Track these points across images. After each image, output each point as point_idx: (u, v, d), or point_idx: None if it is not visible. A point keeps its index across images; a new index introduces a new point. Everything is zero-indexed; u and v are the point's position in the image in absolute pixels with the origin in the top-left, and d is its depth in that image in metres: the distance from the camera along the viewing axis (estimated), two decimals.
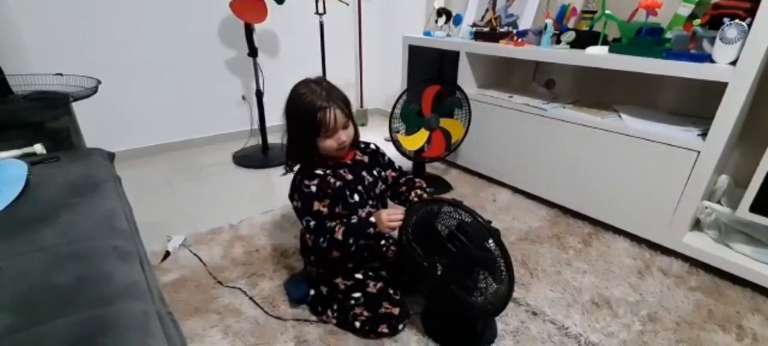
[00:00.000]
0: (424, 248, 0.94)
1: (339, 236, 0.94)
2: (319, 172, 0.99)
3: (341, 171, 1.02)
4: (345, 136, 0.98)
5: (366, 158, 1.09)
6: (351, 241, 0.94)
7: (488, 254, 0.86)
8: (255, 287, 1.18)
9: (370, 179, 1.07)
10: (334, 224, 0.96)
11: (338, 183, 1.00)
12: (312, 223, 0.97)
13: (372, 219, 0.95)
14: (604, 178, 1.44)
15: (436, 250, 0.92)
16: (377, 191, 1.09)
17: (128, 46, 2.01)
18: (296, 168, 1.05)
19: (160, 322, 0.58)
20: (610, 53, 1.37)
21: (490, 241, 0.85)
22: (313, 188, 0.97)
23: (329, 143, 0.97)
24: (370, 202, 1.06)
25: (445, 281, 0.92)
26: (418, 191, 1.08)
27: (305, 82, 0.99)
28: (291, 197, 1.03)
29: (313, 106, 0.94)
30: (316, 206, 0.97)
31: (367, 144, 1.13)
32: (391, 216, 0.95)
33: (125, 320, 0.55)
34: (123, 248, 0.73)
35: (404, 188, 1.11)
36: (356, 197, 1.02)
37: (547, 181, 1.64)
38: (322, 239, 0.95)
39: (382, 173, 1.11)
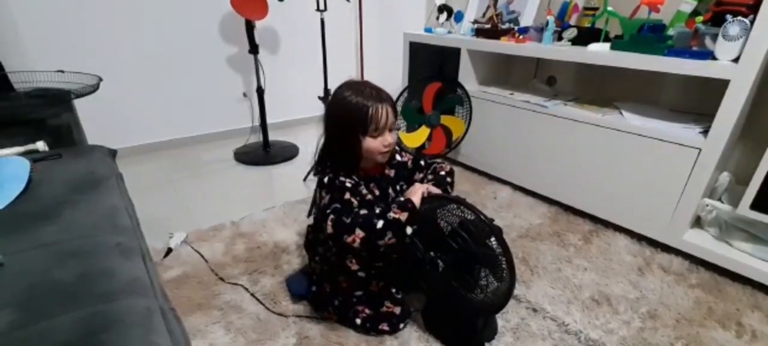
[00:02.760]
0: (425, 244, 0.94)
1: (365, 210, 0.89)
2: (355, 177, 0.95)
3: (371, 184, 0.99)
4: (391, 138, 0.94)
5: (392, 173, 1.05)
6: (378, 211, 0.87)
7: (489, 251, 0.86)
8: (257, 283, 1.18)
9: (393, 195, 1.05)
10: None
11: (369, 196, 0.97)
12: (338, 207, 0.89)
13: (401, 197, 0.91)
14: (605, 175, 1.44)
15: (438, 246, 0.92)
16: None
17: (130, 43, 2.01)
18: (326, 176, 0.98)
19: (162, 318, 0.59)
20: (611, 50, 1.36)
21: (492, 238, 0.85)
22: (349, 184, 0.93)
23: (375, 145, 0.92)
24: None
25: (446, 278, 0.93)
26: (442, 174, 1.04)
27: (350, 83, 0.94)
28: (318, 197, 0.97)
29: (363, 103, 0.89)
30: (348, 196, 0.91)
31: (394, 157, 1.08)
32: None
33: (128, 316, 0.55)
34: (125, 245, 0.73)
35: (431, 176, 1.06)
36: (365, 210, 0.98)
37: (548, 178, 1.64)
38: (345, 215, 0.87)
39: (404, 186, 1.07)
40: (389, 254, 1.03)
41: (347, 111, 0.91)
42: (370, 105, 0.89)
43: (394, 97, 1.63)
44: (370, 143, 0.92)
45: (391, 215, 0.86)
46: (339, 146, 0.95)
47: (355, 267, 0.98)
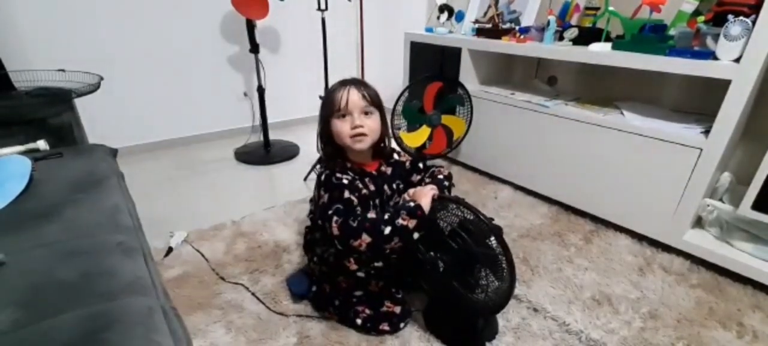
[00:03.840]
0: (425, 244, 0.94)
1: (372, 213, 0.89)
2: (350, 174, 0.96)
3: (366, 179, 0.99)
4: (360, 121, 0.93)
5: (389, 170, 1.05)
6: (387, 216, 0.86)
7: (490, 251, 0.86)
8: (257, 282, 1.18)
9: (389, 193, 1.04)
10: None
11: (365, 191, 0.96)
12: (341, 208, 0.89)
13: (411, 203, 0.91)
14: (606, 175, 1.44)
15: (438, 246, 0.92)
16: (392, 203, 1.05)
17: (130, 42, 2.01)
18: (322, 173, 0.98)
19: (164, 317, 0.59)
20: (613, 50, 1.36)
21: (492, 238, 0.85)
22: (346, 181, 0.93)
23: (343, 128, 0.93)
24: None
25: (447, 278, 0.92)
26: (440, 177, 1.04)
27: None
28: (316, 195, 0.97)
29: (332, 88, 0.96)
30: (347, 194, 0.91)
31: (391, 155, 1.09)
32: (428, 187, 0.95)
33: (130, 316, 0.55)
34: (127, 244, 0.73)
35: (429, 179, 1.06)
36: (372, 214, 0.97)
37: (549, 178, 1.64)
38: (352, 219, 0.86)
39: (401, 186, 1.07)
40: (389, 255, 1.03)
41: (324, 98, 0.98)
42: (336, 88, 0.94)
43: (395, 97, 1.65)
44: (338, 126, 0.94)
45: (400, 221, 0.86)
46: (322, 134, 0.99)
47: (353, 267, 0.98)
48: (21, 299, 0.57)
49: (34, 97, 1.30)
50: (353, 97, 0.93)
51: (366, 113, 0.95)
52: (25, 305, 0.56)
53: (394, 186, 1.06)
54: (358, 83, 0.96)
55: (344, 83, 0.95)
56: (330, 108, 0.94)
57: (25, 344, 0.50)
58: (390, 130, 1.67)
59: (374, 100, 0.96)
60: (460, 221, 0.90)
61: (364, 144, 0.96)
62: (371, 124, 0.95)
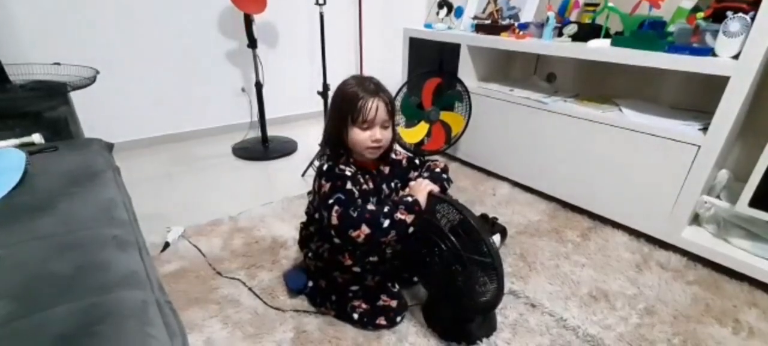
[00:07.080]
0: (420, 242, 0.94)
1: (371, 206, 0.89)
2: (352, 167, 0.95)
3: (366, 176, 0.99)
4: (381, 134, 0.93)
5: (387, 169, 1.06)
6: (386, 209, 0.87)
7: (479, 257, 0.85)
8: (254, 278, 1.18)
9: (387, 192, 1.04)
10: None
11: (365, 186, 0.97)
12: (342, 197, 0.89)
13: (409, 198, 0.91)
14: (604, 172, 1.44)
15: (432, 246, 0.92)
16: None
17: (127, 36, 2.00)
18: (324, 164, 0.98)
19: (158, 310, 0.58)
20: (612, 47, 1.36)
21: (483, 246, 0.85)
22: (349, 173, 0.93)
23: (362, 137, 0.92)
24: None
25: (439, 276, 0.92)
26: (437, 171, 1.04)
27: (355, 76, 0.97)
28: (317, 185, 0.96)
29: (357, 93, 0.91)
30: (350, 185, 0.91)
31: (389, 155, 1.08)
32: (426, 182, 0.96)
33: (124, 309, 0.55)
34: (122, 238, 0.73)
35: (426, 174, 1.05)
36: (371, 206, 0.96)
37: (547, 175, 1.64)
38: (352, 209, 0.86)
39: (399, 185, 1.07)
40: (384, 250, 1.02)
41: (343, 98, 0.93)
42: (363, 96, 0.90)
43: (394, 93, 1.64)
44: (358, 135, 0.92)
45: (399, 215, 0.87)
46: (333, 132, 0.96)
47: (348, 262, 0.98)
48: (15, 291, 0.57)
49: (29, 90, 1.29)
50: (381, 112, 0.91)
51: (385, 127, 0.94)
52: (19, 298, 0.56)
53: (393, 185, 1.06)
54: (382, 92, 0.93)
55: (368, 90, 0.91)
56: (351, 113, 0.91)
57: (18, 336, 0.50)
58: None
59: (392, 112, 0.95)
60: (455, 222, 0.89)
61: (376, 154, 0.97)
62: (388, 136, 0.96)
